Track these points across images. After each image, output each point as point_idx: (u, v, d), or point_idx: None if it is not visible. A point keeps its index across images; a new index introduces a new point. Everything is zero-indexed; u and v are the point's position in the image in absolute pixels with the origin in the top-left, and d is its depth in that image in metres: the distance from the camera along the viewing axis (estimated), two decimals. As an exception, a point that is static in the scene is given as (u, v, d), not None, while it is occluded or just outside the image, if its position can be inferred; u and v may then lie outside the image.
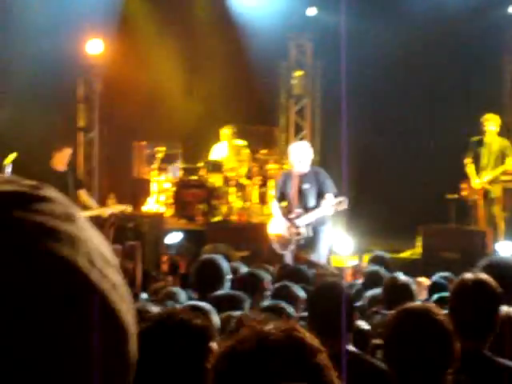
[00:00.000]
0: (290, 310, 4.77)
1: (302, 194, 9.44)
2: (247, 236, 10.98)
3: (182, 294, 5.50)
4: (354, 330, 3.84)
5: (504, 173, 10.90)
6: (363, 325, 4.76)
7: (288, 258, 9.34)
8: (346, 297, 3.76)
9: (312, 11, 14.03)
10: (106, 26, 12.96)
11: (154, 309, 3.09)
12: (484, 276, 3.78)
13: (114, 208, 10.14)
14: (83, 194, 9.95)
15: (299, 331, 1.63)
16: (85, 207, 9.65)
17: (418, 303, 3.08)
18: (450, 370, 2.91)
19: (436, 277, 6.50)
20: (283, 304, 4.75)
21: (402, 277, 5.81)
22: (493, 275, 4.60)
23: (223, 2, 13.97)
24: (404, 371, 2.96)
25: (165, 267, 8.97)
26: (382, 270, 6.58)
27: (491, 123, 10.96)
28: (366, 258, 7.89)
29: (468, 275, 3.70)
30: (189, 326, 2.36)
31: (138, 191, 12.85)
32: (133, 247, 5.85)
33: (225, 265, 5.65)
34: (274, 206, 9.81)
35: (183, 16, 13.92)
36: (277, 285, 5.73)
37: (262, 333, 1.62)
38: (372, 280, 6.36)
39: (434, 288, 5.92)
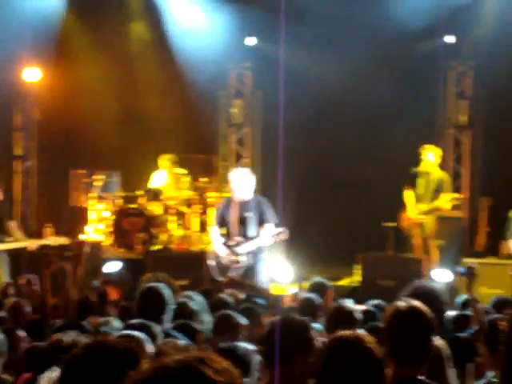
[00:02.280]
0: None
1: (242, 221, 9.42)
2: (187, 264, 10.94)
3: (117, 323, 5.46)
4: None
5: (437, 209, 10.97)
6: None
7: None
8: (303, 327, 3.75)
9: (251, 41, 14.15)
10: (43, 53, 12.86)
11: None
12: (418, 303, 3.84)
13: (43, 240, 10.00)
14: (13, 225, 9.86)
15: (203, 363, 1.61)
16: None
17: (348, 332, 3.08)
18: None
19: (368, 305, 6.56)
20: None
21: (346, 304, 5.86)
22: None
23: (161, 29, 13.97)
24: None
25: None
26: (316, 297, 6.59)
27: (429, 153, 11.10)
28: (306, 285, 7.90)
29: (402, 303, 3.74)
30: (115, 351, 2.35)
31: (75, 220, 12.71)
32: (63, 271, 5.78)
33: (167, 293, 5.61)
34: (214, 232, 9.76)
35: (120, 42, 13.90)
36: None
37: (160, 363, 1.62)
38: (307, 307, 6.37)
39: (366, 316, 5.96)
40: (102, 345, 2.45)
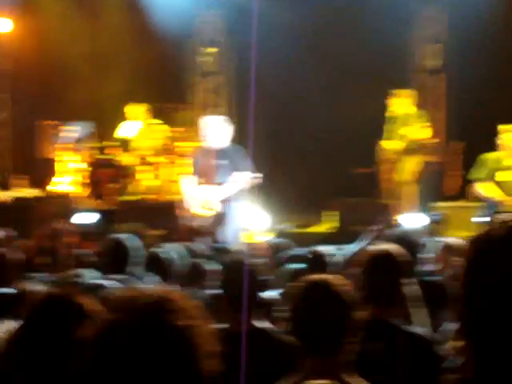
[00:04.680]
0: None
1: (217, 169, 9.41)
2: (161, 214, 10.92)
3: (88, 274, 5.42)
4: (260, 303, 3.88)
5: (411, 143, 11.02)
6: (271, 295, 4.79)
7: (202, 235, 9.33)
8: (251, 271, 3.80)
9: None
10: (14, 4, 12.67)
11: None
12: (390, 247, 3.90)
13: (16, 192, 9.93)
14: None
15: (170, 307, 1.56)
16: None
17: (319, 275, 3.11)
18: (353, 339, 2.97)
19: (348, 250, 6.59)
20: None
21: (320, 248, 5.90)
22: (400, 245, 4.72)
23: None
24: (306, 342, 3.01)
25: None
26: (288, 243, 6.63)
27: (400, 97, 11.14)
28: (275, 233, 7.95)
29: (375, 247, 3.80)
30: (70, 303, 2.34)
31: (46, 171, 12.61)
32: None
33: (133, 244, 5.57)
34: (190, 182, 9.74)
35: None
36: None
37: (129, 298, 1.56)
38: (278, 253, 6.40)
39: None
40: (58, 297, 2.43)
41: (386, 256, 3.77)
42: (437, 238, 8.79)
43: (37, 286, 4.04)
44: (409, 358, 3.44)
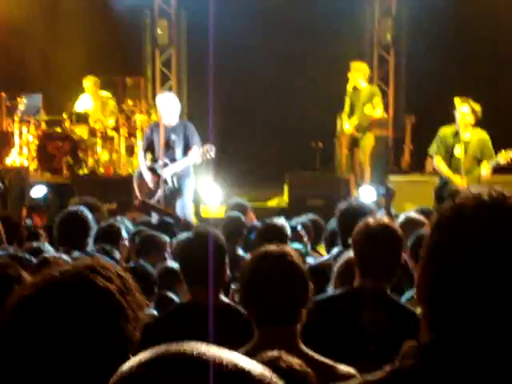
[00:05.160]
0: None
1: (168, 145, 9.47)
2: (115, 188, 10.89)
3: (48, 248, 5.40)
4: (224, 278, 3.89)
5: (365, 119, 11.13)
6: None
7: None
8: (216, 244, 3.79)
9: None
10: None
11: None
12: (388, 220, 3.93)
13: None
14: None
15: (93, 272, 1.55)
16: None
17: (274, 246, 3.12)
18: (303, 310, 3.00)
19: (297, 222, 6.66)
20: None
21: (276, 220, 5.94)
22: (349, 219, 4.78)
23: None
24: (259, 312, 3.01)
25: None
26: (239, 215, 6.65)
27: (355, 72, 11.18)
28: (228, 207, 7.95)
29: (372, 220, 3.81)
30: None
31: (0, 143, 12.44)
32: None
33: (90, 217, 5.55)
34: (140, 157, 9.81)
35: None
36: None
37: (49, 274, 1.56)
38: (231, 225, 6.44)
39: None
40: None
41: (386, 228, 3.77)
42: (392, 211, 8.94)
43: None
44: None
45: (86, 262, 1.62)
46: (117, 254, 5.38)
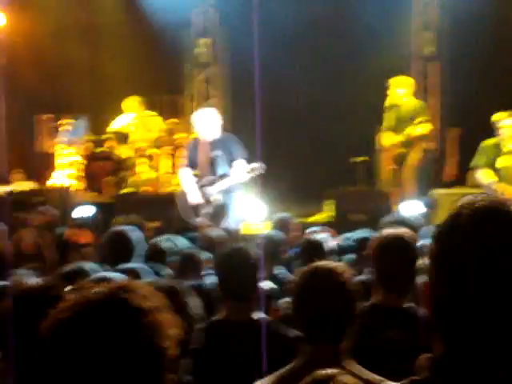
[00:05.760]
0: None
1: (212, 161, 9.41)
2: (158, 206, 10.92)
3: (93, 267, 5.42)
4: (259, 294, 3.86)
5: (409, 138, 10.99)
6: (267, 285, 4.82)
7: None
8: (253, 261, 3.78)
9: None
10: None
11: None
12: (403, 231, 3.86)
13: (12, 186, 9.90)
14: None
15: (130, 290, 1.58)
16: None
17: (323, 262, 3.11)
18: (350, 328, 2.97)
19: (342, 238, 6.61)
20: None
21: (316, 235, 5.90)
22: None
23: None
24: (308, 330, 3.00)
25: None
26: (277, 233, 6.58)
27: (397, 86, 11.08)
28: (273, 224, 7.91)
29: (387, 231, 3.76)
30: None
31: (43, 165, 12.60)
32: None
33: (135, 236, 5.58)
34: (185, 174, 9.73)
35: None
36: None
37: (83, 296, 1.58)
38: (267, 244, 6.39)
39: (341, 248, 6.03)
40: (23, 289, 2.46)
41: (399, 240, 3.71)
42: (432, 225, 8.85)
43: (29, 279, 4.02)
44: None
45: (119, 282, 1.64)
46: (164, 271, 5.38)
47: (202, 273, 5.51)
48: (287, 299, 4.85)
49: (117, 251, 5.39)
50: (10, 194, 9.81)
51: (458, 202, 1.61)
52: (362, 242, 5.89)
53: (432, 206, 10.19)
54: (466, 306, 1.52)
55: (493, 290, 1.50)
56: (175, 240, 6.51)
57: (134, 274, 4.59)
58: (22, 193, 10.02)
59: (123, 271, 4.57)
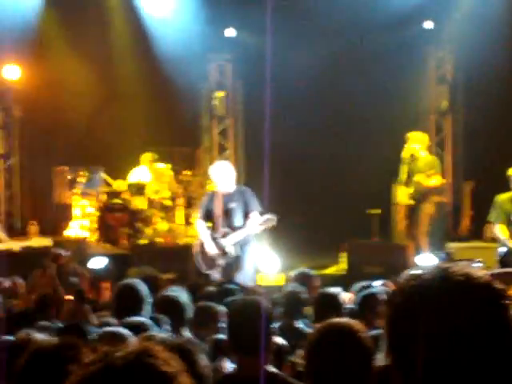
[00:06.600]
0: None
1: (227, 213, 9.43)
2: (173, 258, 10.94)
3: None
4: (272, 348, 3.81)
5: (419, 186, 10.95)
6: (279, 341, 4.79)
7: (215, 278, 9.32)
8: (265, 315, 3.74)
9: (230, 32, 14.11)
10: (22, 50, 12.81)
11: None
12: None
13: (26, 242, 9.95)
14: None
15: (153, 355, 1.56)
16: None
17: (340, 319, 3.09)
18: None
19: (355, 289, 6.58)
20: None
21: (330, 290, 5.89)
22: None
23: (140, 24, 13.92)
24: None
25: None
26: (299, 288, 6.57)
27: (414, 141, 11.08)
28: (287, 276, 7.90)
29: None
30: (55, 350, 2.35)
31: (60, 216, 12.68)
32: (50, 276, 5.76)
33: (144, 289, 5.57)
34: (200, 226, 9.76)
35: (99, 38, 13.81)
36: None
37: (110, 356, 1.56)
38: (291, 299, 6.37)
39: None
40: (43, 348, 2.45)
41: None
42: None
43: (39, 335, 4.00)
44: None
45: (138, 345, 1.62)
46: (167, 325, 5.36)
47: (220, 325, 5.50)
48: (300, 352, 4.84)
49: (125, 304, 5.38)
50: (27, 249, 9.86)
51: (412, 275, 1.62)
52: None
53: (448, 260, 10.17)
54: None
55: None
56: (185, 292, 6.50)
57: (142, 327, 4.58)
58: (35, 248, 10.06)
59: (131, 325, 4.57)
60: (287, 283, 7.90)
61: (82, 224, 12.51)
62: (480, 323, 1.50)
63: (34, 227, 12.03)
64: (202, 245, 9.62)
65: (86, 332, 4.52)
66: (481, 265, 8.80)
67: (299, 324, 6.02)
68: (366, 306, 5.60)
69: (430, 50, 13.77)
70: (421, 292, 1.55)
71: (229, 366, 4.53)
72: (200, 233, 9.74)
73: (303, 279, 7.28)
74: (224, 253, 9.39)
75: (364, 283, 7.12)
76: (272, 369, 3.71)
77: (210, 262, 9.50)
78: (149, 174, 12.81)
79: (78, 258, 10.55)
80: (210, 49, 13.99)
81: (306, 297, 6.40)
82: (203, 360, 3.23)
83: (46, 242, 11.46)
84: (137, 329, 4.49)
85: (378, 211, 11.63)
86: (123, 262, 10.60)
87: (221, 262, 9.43)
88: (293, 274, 7.91)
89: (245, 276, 9.34)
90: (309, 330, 5.60)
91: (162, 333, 4.75)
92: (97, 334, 4.41)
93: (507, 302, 1.54)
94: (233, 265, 9.39)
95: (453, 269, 1.56)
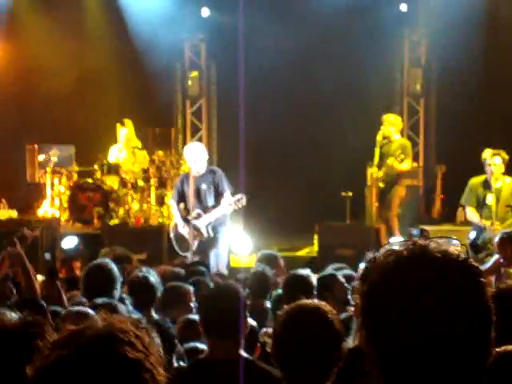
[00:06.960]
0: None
1: (199, 194, 9.47)
2: (145, 238, 10.91)
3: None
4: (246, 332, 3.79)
5: (390, 170, 10.96)
6: (251, 322, 4.79)
7: (189, 259, 9.34)
8: (241, 299, 3.72)
9: (205, 12, 14.01)
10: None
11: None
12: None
13: None
14: None
15: (118, 341, 1.54)
16: None
17: (308, 301, 3.08)
18: (335, 369, 2.94)
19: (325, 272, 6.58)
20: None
21: (301, 271, 5.89)
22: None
23: (114, 4, 13.80)
24: (290, 369, 2.95)
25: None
26: (267, 269, 6.57)
27: (388, 123, 11.12)
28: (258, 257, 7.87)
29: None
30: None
31: (32, 195, 12.57)
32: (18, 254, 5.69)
33: (115, 269, 5.54)
34: (174, 208, 9.83)
35: (72, 16, 13.68)
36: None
37: (76, 331, 1.56)
38: (258, 280, 6.38)
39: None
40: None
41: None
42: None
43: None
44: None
45: (103, 324, 1.59)
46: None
47: (192, 305, 5.50)
48: (265, 330, 4.85)
49: (96, 284, 5.35)
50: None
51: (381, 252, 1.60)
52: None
53: (424, 234, 10.21)
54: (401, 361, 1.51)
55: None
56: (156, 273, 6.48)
57: (110, 307, 4.55)
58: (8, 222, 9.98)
59: (100, 305, 4.54)
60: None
61: (53, 203, 12.42)
62: (457, 300, 1.50)
63: (2, 205, 11.93)
64: (176, 227, 9.64)
65: (42, 306, 4.50)
66: (458, 243, 8.85)
67: (267, 304, 6.04)
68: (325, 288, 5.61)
69: (405, 33, 13.77)
70: (398, 268, 1.53)
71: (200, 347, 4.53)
72: (174, 214, 9.78)
73: (268, 261, 7.29)
74: (198, 234, 9.41)
75: (337, 265, 7.15)
76: (244, 354, 3.70)
77: (186, 243, 9.51)
78: (123, 153, 12.70)
79: (50, 238, 10.50)
80: (185, 29, 13.89)
81: (273, 277, 6.42)
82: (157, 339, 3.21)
83: (11, 213, 11.41)
84: (105, 309, 4.45)
85: (350, 194, 11.65)
86: (95, 241, 10.55)
87: (195, 243, 9.45)
88: (258, 255, 7.92)
89: (218, 257, 9.37)
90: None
91: (131, 314, 4.75)
92: (62, 313, 4.41)
93: (483, 279, 1.54)
94: (206, 246, 9.42)
95: (430, 246, 1.55)
